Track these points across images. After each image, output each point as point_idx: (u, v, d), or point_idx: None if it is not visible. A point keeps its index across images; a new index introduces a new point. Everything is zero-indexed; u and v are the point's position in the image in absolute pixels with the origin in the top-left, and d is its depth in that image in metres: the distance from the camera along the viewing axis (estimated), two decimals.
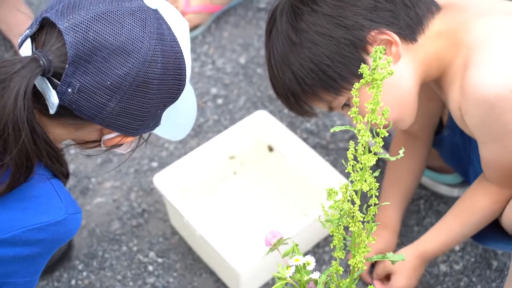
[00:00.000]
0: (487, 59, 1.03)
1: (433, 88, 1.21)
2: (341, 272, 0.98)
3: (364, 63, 1.07)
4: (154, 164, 1.58)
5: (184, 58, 0.94)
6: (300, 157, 1.49)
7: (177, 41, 0.93)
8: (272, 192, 1.51)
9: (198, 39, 1.81)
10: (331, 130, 0.82)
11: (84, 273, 1.41)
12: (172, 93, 0.95)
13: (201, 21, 1.79)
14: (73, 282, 1.40)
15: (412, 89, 1.11)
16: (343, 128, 0.83)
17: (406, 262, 1.26)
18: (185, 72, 0.95)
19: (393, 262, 0.98)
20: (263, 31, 1.80)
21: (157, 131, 1.02)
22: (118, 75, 0.89)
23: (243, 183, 1.52)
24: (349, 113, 0.82)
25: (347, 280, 0.98)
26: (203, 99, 1.69)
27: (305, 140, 1.59)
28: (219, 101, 1.69)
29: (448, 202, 1.50)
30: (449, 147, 1.36)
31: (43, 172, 0.93)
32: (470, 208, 1.20)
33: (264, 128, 1.53)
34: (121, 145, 1.00)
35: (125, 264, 1.43)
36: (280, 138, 1.52)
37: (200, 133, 1.63)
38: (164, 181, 1.40)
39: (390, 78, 0.93)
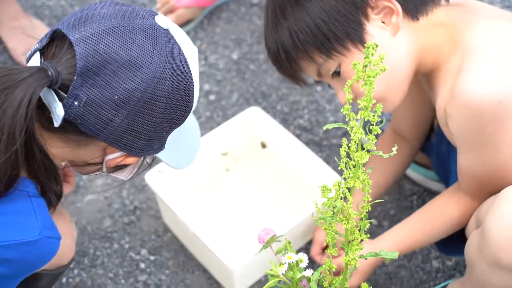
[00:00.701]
0: (480, 66, 1.01)
1: (422, 85, 1.20)
2: (334, 270, 0.97)
3: (361, 27, 1.04)
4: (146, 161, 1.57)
5: (193, 80, 0.93)
6: (293, 153, 1.48)
7: (187, 62, 0.92)
8: (265, 189, 1.50)
9: (190, 34, 1.80)
10: (324, 128, 0.81)
11: (75, 271, 1.40)
12: (179, 114, 0.93)
13: (193, 16, 1.78)
14: (63, 280, 1.39)
15: (404, 69, 1.08)
16: (336, 125, 0.82)
17: (363, 264, 1.22)
18: (193, 94, 0.93)
19: (385, 259, 0.97)
20: (256, 27, 1.80)
21: (163, 157, 1.00)
22: (126, 90, 0.87)
23: (236, 180, 1.51)
24: (342, 110, 0.82)
25: (340, 277, 0.98)
26: None
27: (298, 136, 1.59)
28: (212, 97, 1.68)
29: None
30: (435, 154, 1.35)
31: (27, 188, 0.90)
32: (440, 217, 1.19)
33: (257, 125, 1.52)
34: (123, 168, 0.98)
35: (116, 261, 1.42)
36: (273, 135, 1.51)
37: None
38: (156, 178, 1.39)
39: (383, 49, 0.92)
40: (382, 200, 0.95)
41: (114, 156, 0.95)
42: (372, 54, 0.80)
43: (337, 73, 1.09)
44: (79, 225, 1.46)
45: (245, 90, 1.69)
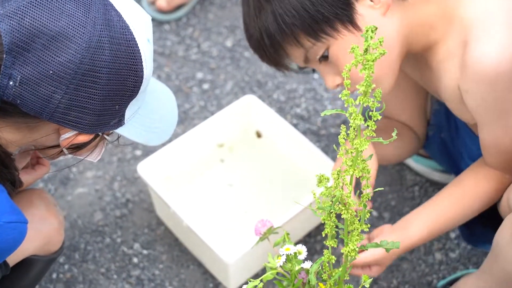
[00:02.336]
0: (488, 34, 0.98)
1: (410, 71, 1.15)
2: (333, 261, 0.94)
3: (350, 7, 1.00)
4: (138, 153, 1.53)
5: (138, 47, 0.88)
6: (290, 143, 1.44)
7: (129, 29, 0.87)
8: (261, 180, 1.46)
9: (182, 21, 1.75)
10: (322, 114, 0.77)
11: (66, 266, 1.36)
12: (129, 84, 0.89)
13: (185, 0, 1.73)
14: (54, 275, 1.35)
15: (394, 48, 1.04)
16: (334, 111, 0.78)
17: (392, 255, 1.15)
18: (141, 62, 0.89)
19: (387, 250, 0.93)
20: None
21: (127, 133, 0.95)
22: (60, 63, 0.83)
23: (231, 170, 1.47)
24: (340, 95, 0.77)
25: (340, 269, 0.94)
26: (188, 84, 1.64)
27: (295, 125, 1.54)
28: (205, 86, 1.64)
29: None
30: (437, 145, 1.31)
31: None
32: (470, 194, 1.13)
33: (252, 114, 1.48)
34: (82, 147, 0.94)
35: (108, 256, 1.38)
36: (269, 124, 1.47)
37: (186, 119, 1.57)
38: (149, 169, 1.35)
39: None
40: (382, 188, 0.90)
41: (68, 135, 0.91)
42: (371, 37, 0.76)
43: (325, 57, 1.05)
44: (69, 219, 1.42)
45: (240, 79, 1.64)
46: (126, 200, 1.46)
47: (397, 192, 1.45)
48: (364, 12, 1.01)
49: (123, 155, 1.52)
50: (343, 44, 1.01)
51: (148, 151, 1.51)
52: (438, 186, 1.45)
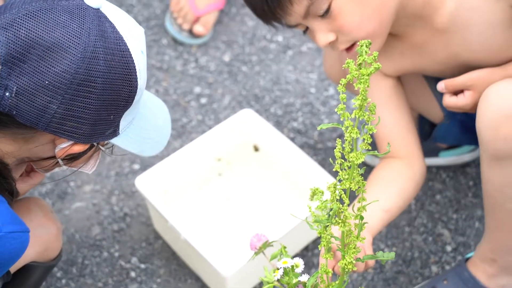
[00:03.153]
0: None
1: (418, 51, 1.15)
2: (330, 274, 0.94)
3: None
4: (136, 167, 1.53)
5: (132, 58, 0.89)
6: (287, 157, 1.44)
7: (123, 40, 0.88)
8: (258, 193, 1.46)
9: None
10: (319, 128, 0.78)
11: (63, 281, 1.36)
12: (123, 94, 0.90)
13: (216, 19, 1.75)
14: None
15: (389, 5, 1.06)
16: (330, 125, 0.79)
17: (490, 82, 1.07)
18: (135, 73, 0.89)
19: (382, 261, 0.94)
20: (248, 28, 1.77)
21: (122, 144, 0.96)
22: (55, 73, 0.84)
23: (229, 184, 1.48)
24: (336, 109, 0.77)
25: (337, 282, 0.94)
26: (186, 99, 1.64)
27: (292, 139, 1.55)
28: (203, 100, 1.64)
29: (440, 202, 1.46)
30: (457, 128, 1.31)
31: None
32: None
33: (249, 128, 1.48)
34: (77, 158, 0.94)
35: (106, 270, 1.37)
36: (267, 138, 1.48)
37: (184, 133, 1.58)
38: (147, 183, 1.35)
39: None
40: (378, 200, 0.91)
41: (64, 146, 0.92)
42: (366, 52, 0.76)
43: (325, 13, 1.05)
44: (67, 233, 1.42)
45: (237, 93, 1.65)
46: (124, 214, 1.46)
47: None
48: None
49: (121, 169, 1.52)
50: None
51: (146, 165, 1.51)
52: (434, 200, 1.46)
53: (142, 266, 1.38)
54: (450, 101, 1.14)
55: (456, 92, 1.15)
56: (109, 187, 1.50)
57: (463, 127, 1.32)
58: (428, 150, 1.47)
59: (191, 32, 1.73)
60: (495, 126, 1.02)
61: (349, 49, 1.10)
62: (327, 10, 1.04)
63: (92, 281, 1.36)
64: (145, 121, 0.98)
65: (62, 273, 1.37)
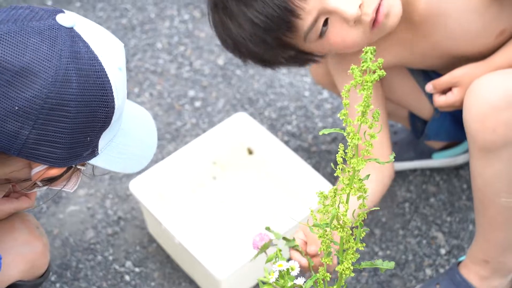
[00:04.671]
0: None
1: (403, 45, 1.17)
2: (328, 279, 0.94)
3: None
4: None
5: (108, 78, 0.86)
6: (281, 160, 1.45)
7: (98, 59, 0.85)
8: (252, 196, 1.47)
9: (174, 40, 1.76)
10: (320, 133, 0.78)
11: (58, 285, 1.35)
12: (100, 116, 0.87)
13: None
14: None
15: None
16: (332, 130, 0.79)
17: (475, 77, 1.11)
18: (111, 93, 0.86)
19: (381, 270, 0.94)
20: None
21: (102, 164, 0.93)
22: (25, 99, 0.81)
23: (223, 187, 1.48)
24: (338, 114, 0.78)
25: (334, 287, 0.95)
26: (180, 102, 1.64)
27: (286, 143, 1.55)
28: (197, 103, 1.64)
29: (434, 205, 1.47)
30: (449, 120, 1.33)
31: None
32: None
33: (244, 131, 1.48)
34: (55, 180, 0.92)
35: (100, 274, 1.37)
36: (261, 141, 1.48)
37: (178, 137, 1.58)
38: (141, 187, 1.35)
39: None
40: (379, 208, 0.91)
41: (38, 170, 0.89)
42: (370, 59, 0.77)
43: (322, 33, 1.06)
44: (61, 237, 1.42)
45: (232, 96, 1.65)
46: (118, 218, 1.45)
47: (388, 208, 1.46)
48: None
49: (115, 173, 1.52)
50: None
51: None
52: (428, 203, 1.47)
53: (137, 269, 1.38)
54: (440, 100, 1.16)
55: (445, 91, 1.16)
56: (103, 190, 1.49)
57: (454, 120, 1.33)
58: (421, 152, 1.48)
59: None
60: (482, 119, 1.03)
61: (375, 21, 1.06)
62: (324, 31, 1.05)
63: (87, 284, 1.36)
64: (127, 137, 0.95)
65: (56, 277, 1.36)
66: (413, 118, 1.43)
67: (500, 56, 1.13)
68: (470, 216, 1.45)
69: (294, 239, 1.06)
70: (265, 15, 1.04)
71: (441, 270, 1.37)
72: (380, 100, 1.24)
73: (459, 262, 1.26)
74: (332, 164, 0.80)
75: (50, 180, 0.92)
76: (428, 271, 1.37)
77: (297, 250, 1.06)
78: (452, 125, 1.35)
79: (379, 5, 1.05)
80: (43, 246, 1.08)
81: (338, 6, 1.03)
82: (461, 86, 1.14)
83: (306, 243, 1.07)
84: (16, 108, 0.81)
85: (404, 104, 1.37)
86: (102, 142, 0.90)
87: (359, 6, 1.03)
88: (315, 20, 1.05)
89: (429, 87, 1.18)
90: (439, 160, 1.50)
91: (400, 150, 1.48)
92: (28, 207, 1.04)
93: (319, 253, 1.05)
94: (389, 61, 1.20)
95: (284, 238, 1.07)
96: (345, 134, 0.77)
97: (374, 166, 1.19)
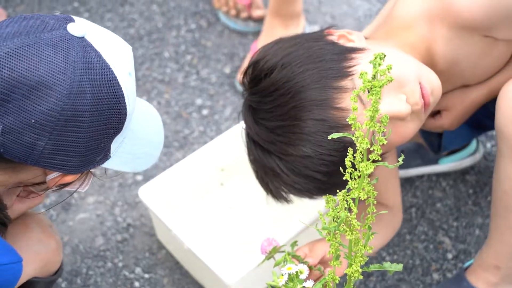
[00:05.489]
0: None
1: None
2: (337, 282, 0.95)
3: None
4: (139, 177, 1.54)
5: (120, 86, 0.87)
6: None
7: (110, 68, 0.86)
8: (260, 202, 1.48)
9: (181, 49, 1.78)
10: (329, 137, 0.79)
11: None
12: (112, 123, 0.88)
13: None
14: None
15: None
16: (341, 135, 0.80)
17: (464, 99, 1.17)
18: (123, 100, 0.88)
19: (390, 271, 0.95)
20: (248, 40, 1.79)
21: (114, 166, 0.94)
22: (42, 112, 0.82)
23: (231, 193, 1.49)
24: (347, 119, 0.79)
25: None
26: (188, 110, 1.66)
27: None
28: (205, 112, 1.66)
29: (440, 210, 1.48)
30: (464, 124, 1.33)
31: None
32: None
33: None
34: (68, 184, 0.93)
35: (110, 281, 1.38)
36: None
37: (186, 145, 1.60)
38: (150, 194, 1.37)
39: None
40: (386, 212, 0.92)
41: (53, 176, 0.90)
42: (379, 64, 0.78)
43: None
44: (71, 245, 1.43)
45: (238, 104, 1.67)
46: (127, 225, 1.47)
47: None
48: None
49: (124, 181, 1.54)
50: None
51: (149, 176, 1.53)
52: (434, 208, 1.48)
53: (146, 276, 1.39)
54: (428, 122, 1.22)
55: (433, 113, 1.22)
56: (112, 198, 1.51)
57: (466, 123, 1.33)
58: (428, 159, 1.49)
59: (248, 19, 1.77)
60: None
61: (425, 104, 1.06)
62: None
63: None
64: (136, 135, 0.96)
65: (67, 284, 1.38)
66: (425, 134, 1.44)
67: (494, 78, 1.18)
68: (476, 221, 1.46)
69: (296, 243, 1.07)
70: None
71: (448, 275, 1.38)
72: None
73: (466, 268, 1.26)
74: (341, 168, 0.81)
75: (64, 185, 0.93)
76: (435, 276, 1.38)
77: (296, 258, 1.07)
78: (464, 128, 1.35)
79: (421, 88, 1.04)
80: (56, 244, 1.10)
81: (390, 110, 1.01)
82: (449, 111, 1.20)
83: (306, 255, 1.08)
84: (33, 121, 0.82)
85: None
86: (114, 145, 0.92)
87: (406, 101, 1.02)
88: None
89: None
90: (446, 165, 1.51)
91: (407, 158, 1.49)
92: (39, 202, 1.06)
93: (314, 266, 1.07)
94: None
95: (291, 245, 1.08)
96: (354, 138, 0.78)
97: (390, 213, 1.23)
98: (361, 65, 1.03)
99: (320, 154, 1.04)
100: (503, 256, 1.17)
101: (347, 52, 1.05)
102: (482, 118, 1.28)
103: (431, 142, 1.44)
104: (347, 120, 0.78)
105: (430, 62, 1.13)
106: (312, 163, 1.05)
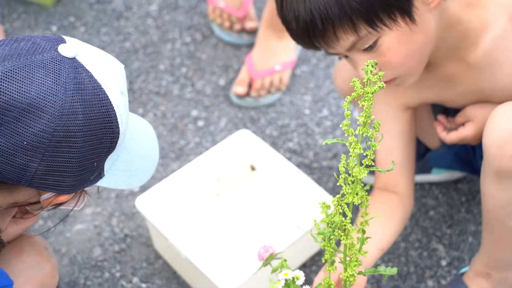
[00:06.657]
0: None
1: (444, 82, 1.17)
2: (332, 287, 0.96)
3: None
4: (136, 188, 1.56)
5: (112, 105, 0.87)
6: (284, 175, 1.48)
7: (101, 88, 0.86)
8: (256, 211, 1.49)
9: (176, 61, 1.80)
10: (323, 143, 0.81)
11: None
12: (105, 142, 0.88)
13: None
14: None
15: (429, 45, 1.07)
16: (335, 140, 0.82)
17: (489, 109, 1.12)
18: (116, 119, 0.88)
19: (384, 276, 0.97)
20: (242, 53, 1.81)
21: (108, 184, 0.94)
22: (34, 134, 0.82)
23: (227, 203, 1.51)
24: (341, 125, 0.81)
25: None
26: (184, 122, 1.68)
27: (288, 159, 1.58)
28: (200, 123, 1.68)
29: (434, 218, 1.50)
30: (452, 155, 1.35)
31: None
32: None
33: (246, 148, 1.52)
34: (62, 204, 0.93)
35: None
36: (263, 157, 1.51)
37: (182, 155, 1.61)
38: (147, 204, 1.38)
39: (423, 23, 0.98)
40: (381, 215, 0.94)
41: (48, 196, 0.91)
42: (371, 71, 0.80)
43: (370, 47, 1.04)
44: (69, 255, 1.44)
45: (233, 115, 1.69)
46: (125, 235, 1.48)
47: None
48: (418, 5, 1.02)
49: (121, 191, 1.55)
50: (397, 36, 1.03)
51: (145, 187, 1.54)
52: (428, 216, 1.50)
53: (143, 285, 1.40)
54: (451, 135, 1.20)
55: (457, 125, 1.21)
56: (109, 209, 1.52)
57: (457, 156, 1.35)
58: (421, 167, 1.51)
59: (242, 31, 1.80)
60: (501, 144, 1.04)
61: (387, 82, 1.09)
62: (373, 45, 1.04)
63: None
64: (130, 153, 0.96)
65: None
66: (417, 141, 1.45)
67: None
68: (469, 228, 1.48)
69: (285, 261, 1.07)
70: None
71: (443, 281, 1.40)
72: (408, 138, 1.26)
73: (462, 274, 1.28)
74: (335, 174, 0.83)
75: (59, 204, 0.93)
76: (430, 283, 1.40)
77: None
78: (453, 159, 1.37)
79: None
80: (52, 267, 1.09)
81: (355, 62, 1.06)
82: (473, 121, 1.18)
83: None
84: (25, 143, 0.82)
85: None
86: (108, 163, 0.92)
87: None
88: (336, 53, 1.08)
89: (443, 120, 1.22)
90: (438, 175, 1.53)
91: None
92: (34, 222, 1.06)
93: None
94: (429, 95, 1.21)
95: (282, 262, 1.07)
96: (347, 144, 0.80)
97: (399, 201, 1.22)
98: None
99: None
100: (492, 265, 1.20)
101: None
102: (475, 160, 1.29)
103: (418, 149, 1.43)
104: (341, 126, 0.81)
105: (463, 48, 1.10)
106: None
